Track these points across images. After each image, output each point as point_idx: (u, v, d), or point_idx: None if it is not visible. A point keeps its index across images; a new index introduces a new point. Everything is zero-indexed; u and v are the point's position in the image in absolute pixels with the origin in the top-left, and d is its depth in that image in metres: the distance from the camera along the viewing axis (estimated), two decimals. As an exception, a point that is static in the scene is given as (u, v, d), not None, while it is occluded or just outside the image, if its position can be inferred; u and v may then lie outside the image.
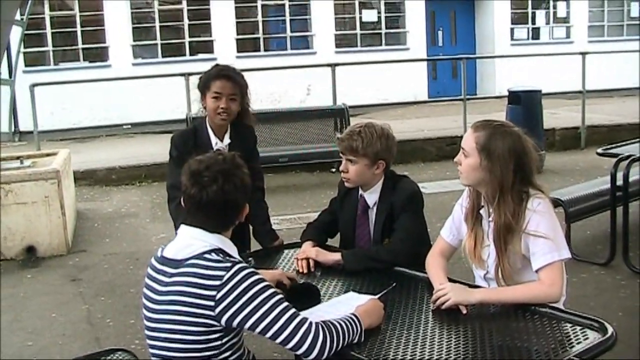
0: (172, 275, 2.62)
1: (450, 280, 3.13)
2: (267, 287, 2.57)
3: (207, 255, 2.60)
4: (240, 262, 2.61)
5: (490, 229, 3.16)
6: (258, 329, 2.53)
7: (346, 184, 3.79)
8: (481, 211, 3.20)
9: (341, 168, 3.75)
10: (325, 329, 2.57)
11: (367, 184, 3.75)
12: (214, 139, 4.08)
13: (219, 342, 2.58)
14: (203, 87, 4.03)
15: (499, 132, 3.09)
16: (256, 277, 2.56)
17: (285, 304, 2.57)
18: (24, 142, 14.58)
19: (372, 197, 3.77)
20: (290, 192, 10.09)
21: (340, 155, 3.75)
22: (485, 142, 3.07)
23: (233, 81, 4.00)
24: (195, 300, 2.52)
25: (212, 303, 2.51)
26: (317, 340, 2.53)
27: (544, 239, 2.99)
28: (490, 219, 3.15)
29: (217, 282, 2.51)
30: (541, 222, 3.01)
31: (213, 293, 2.51)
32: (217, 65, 4.16)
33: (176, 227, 4.04)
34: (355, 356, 2.60)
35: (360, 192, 3.81)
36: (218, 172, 2.65)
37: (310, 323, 2.56)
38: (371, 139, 3.63)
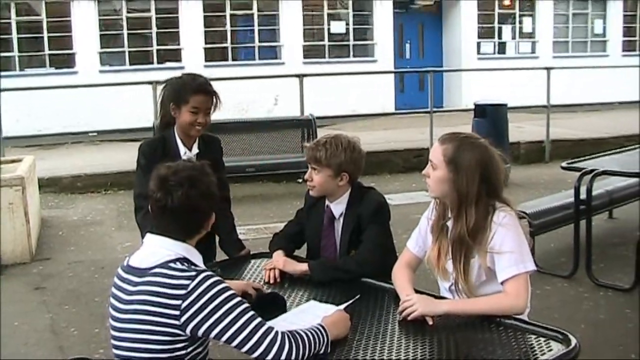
0: (137, 284, 2.60)
1: (417, 291, 3.15)
2: (233, 295, 2.56)
3: (172, 264, 2.59)
4: (205, 270, 2.60)
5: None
6: (223, 338, 2.53)
7: (310, 192, 3.81)
8: (448, 223, 3.22)
9: (306, 176, 3.77)
10: (291, 338, 2.56)
11: (331, 194, 3.76)
12: (182, 149, 4.06)
13: (183, 352, 2.57)
14: (178, 99, 3.94)
15: (467, 144, 3.13)
16: (221, 285, 2.55)
17: (251, 313, 2.57)
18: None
19: (338, 208, 3.78)
20: (257, 202, 10.08)
21: (307, 163, 3.77)
22: (453, 154, 3.10)
23: (211, 95, 3.96)
24: (161, 309, 2.51)
25: (177, 312, 2.50)
26: (282, 350, 2.52)
27: (510, 251, 3.02)
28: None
29: (182, 292, 2.50)
30: (507, 235, 3.04)
31: (178, 302, 2.50)
32: (190, 74, 4.08)
33: (143, 237, 4.02)
34: (322, 366, 2.61)
35: (327, 202, 3.82)
36: (184, 177, 2.64)
37: (276, 332, 2.56)
38: (335, 150, 3.65)
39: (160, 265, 2.59)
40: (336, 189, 3.73)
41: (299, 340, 2.57)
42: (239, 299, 2.58)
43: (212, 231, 4.23)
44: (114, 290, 2.71)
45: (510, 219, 3.09)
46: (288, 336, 2.56)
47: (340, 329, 2.79)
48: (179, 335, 2.53)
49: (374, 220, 3.65)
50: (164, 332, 2.52)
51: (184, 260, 2.63)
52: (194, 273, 2.55)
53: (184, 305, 2.49)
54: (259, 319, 2.57)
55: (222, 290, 2.54)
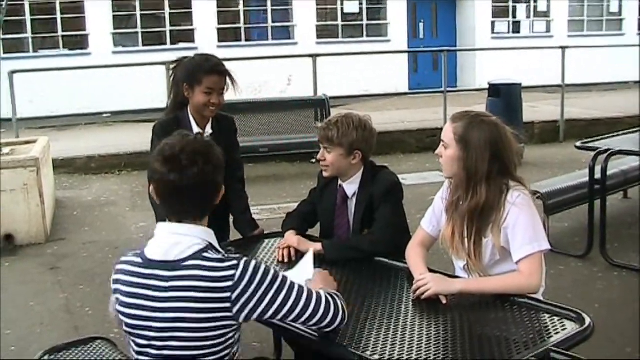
0: (171, 278, 2.45)
1: (431, 270, 3.15)
2: (276, 274, 2.53)
3: (205, 255, 2.47)
4: (241, 256, 2.52)
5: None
6: (279, 316, 2.51)
7: (323, 172, 3.82)
8: (461, 202, 3.22)
9: (319, 156, 3.78)
10: (335, 299, 2.63)
11: (344, 174, 3.77)
12: (196, 129, 4.05)
13: (233, 339, 2.55)
14: (192, 79, 3.95)
15: (476, 122, 3.12)
16: (263, 267, 2.50)
17: (298, 286, 2.56)
18: (2, 130, 14.43)
19: (351, 187, 3.79)
20: (270, 182, 10.09)
21: (319, 143, 3.78)
22: (463, 133, 3.10)
23: (224, 76, 3.97)
24: (210, 304, 2.42)
25: (228, 304, 2.43)
26: (337, 314, 2.59)
27: (524, 230, 3.02)
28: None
29: (230, 283, 2.42)
30: (520, 214, 3.04)
31: (227, 294, 2.42)
32: (203, 55, 4.08)
33: (157, 216, 4.03)
34: (337, 344, 2.61)
35: (340, 182, 3.83)
36: (196, 153, 2.50)
37: (326, 297, 2.59)
38: (347, 129, 3.66)
39: (193, 257, 2.47)
40: (349, 168, 3.73)
41: (338, 300, 2.63)
42: (282, 275, 2.55)
43: (226, 211, 4.28)
44: (133, 290, 2.51)
45: (524, 198, 3.08)
46: (332, 298, 2.63)
47: (331, 285, 2.87)
48: (232, 325, 2.48)
49: (386, 199, 3.65)
50: (217, 326, 2.45)
51: (211, 247, 2.53)
52: (234, 262, 2.45)
53: (234, 296, 2.42)
54: (306, 290, 2.57)
55: (266, 272, 2.49)
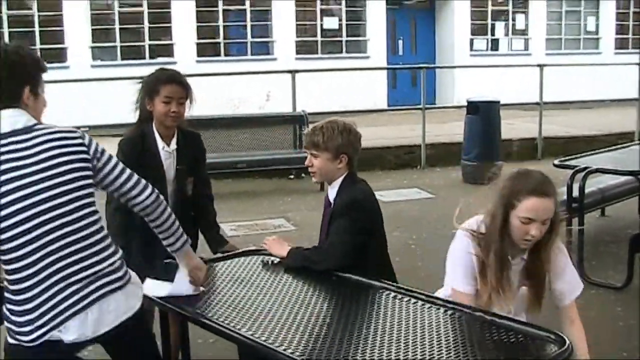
0: (29, 139, 2.61)
1: (412, 291, 3.15)
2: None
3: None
4: None
5: (519, 270, 3.22)
6: (116, 184, 2.89)
7: (312, 178, 3.86)
8: (515, 260, 3.21)
9: (306, 163, 3.82)
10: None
11: (331, 178, 3.79)
12: (160, 144, 4.10)
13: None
14: (151, 92, 4.03)
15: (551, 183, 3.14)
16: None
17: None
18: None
19: (332, 192, 3.81)
20: (247, 198, 10.01)
21: (305, 150, 3.84)
22: (556, 201, 3.12)
23: (182, 86, 4.04)
24: (68, 141, 2.67)
25: (85, 148, 2.72)
26: (146, 185, 2.96)
27: (571, 275, 3.25)
28: (522, 261, 3.21)
29: (79, 133, 2.74)
30: (567, 261, 3.23)
31: (81, 141, 2.72)
32: (162, 69, 4.20)
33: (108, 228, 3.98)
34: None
35: (327, 186, 3.86)
36: None
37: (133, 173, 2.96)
38: (332, 133, 3.74)
39: (37, 124, 2.68)
40: (335, 172, 3.76)
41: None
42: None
43: (195, 228, 4.25)
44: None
45: (562, 245, 3.23)
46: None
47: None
48: (90, 169, 2.75)
49: (343, 213, 3.64)
50: (81, 167, 2.70)
51: None
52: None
53: (86, 142, 2.74)
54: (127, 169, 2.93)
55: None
